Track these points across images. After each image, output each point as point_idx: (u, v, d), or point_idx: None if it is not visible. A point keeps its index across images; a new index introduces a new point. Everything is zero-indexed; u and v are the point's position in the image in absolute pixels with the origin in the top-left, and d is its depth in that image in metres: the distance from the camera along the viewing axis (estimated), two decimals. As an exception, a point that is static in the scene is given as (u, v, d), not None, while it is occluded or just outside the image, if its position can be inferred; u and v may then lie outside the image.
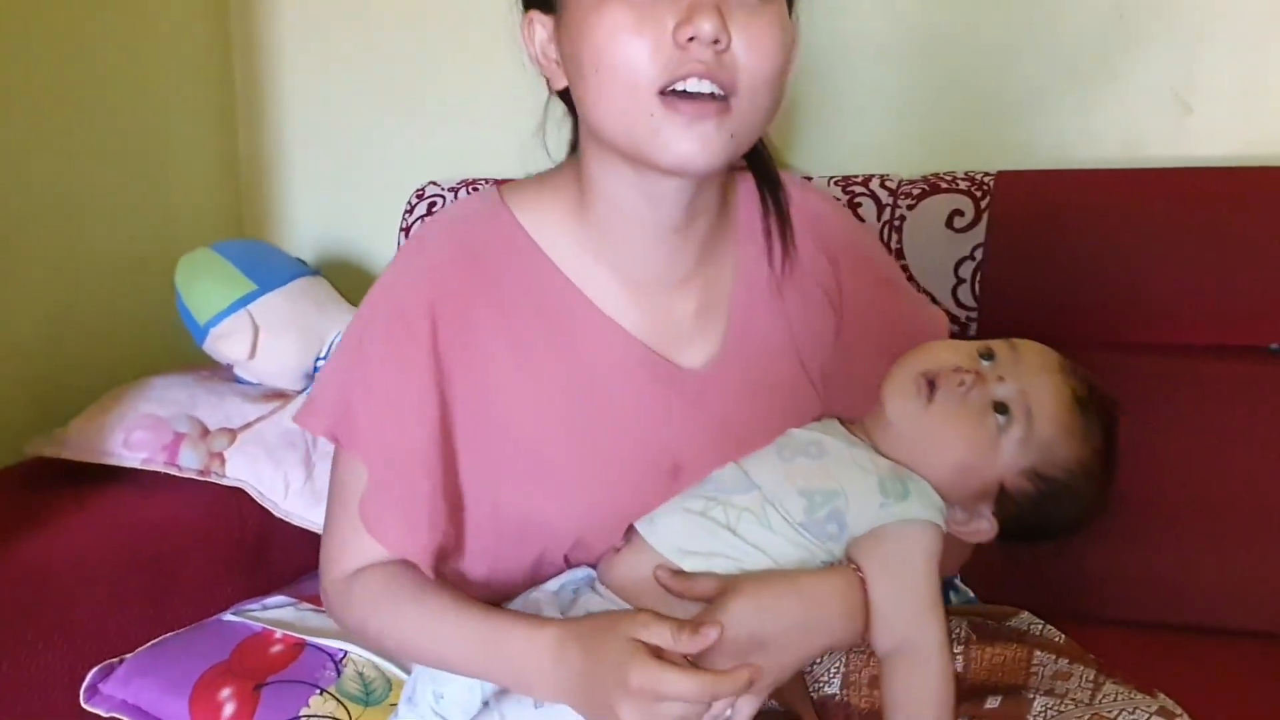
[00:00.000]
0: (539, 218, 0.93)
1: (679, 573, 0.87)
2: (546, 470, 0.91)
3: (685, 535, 0.89)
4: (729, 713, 0.85)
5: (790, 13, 0.87)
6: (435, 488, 0.90)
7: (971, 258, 1.41)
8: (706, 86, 0.80)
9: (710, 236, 0.94)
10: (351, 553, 0.94)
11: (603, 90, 0.82)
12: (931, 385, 0.90)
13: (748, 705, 0.84)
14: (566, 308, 0.92)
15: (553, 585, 0.94)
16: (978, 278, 1.41)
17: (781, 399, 0.97)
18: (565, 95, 0.90)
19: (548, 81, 0.91)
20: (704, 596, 0.86)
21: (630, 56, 0.79)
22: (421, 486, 0.90)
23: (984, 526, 0.93)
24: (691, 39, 0.78)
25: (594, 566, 0.95)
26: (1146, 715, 0.86)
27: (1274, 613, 1.28)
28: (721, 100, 0.80)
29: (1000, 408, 0.90)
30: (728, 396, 0.94)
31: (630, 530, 0.93)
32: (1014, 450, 0.90)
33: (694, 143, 0.81)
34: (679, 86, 0.79)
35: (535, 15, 0.88)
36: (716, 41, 0.79)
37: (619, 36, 0.79)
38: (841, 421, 0.97)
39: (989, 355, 0.92)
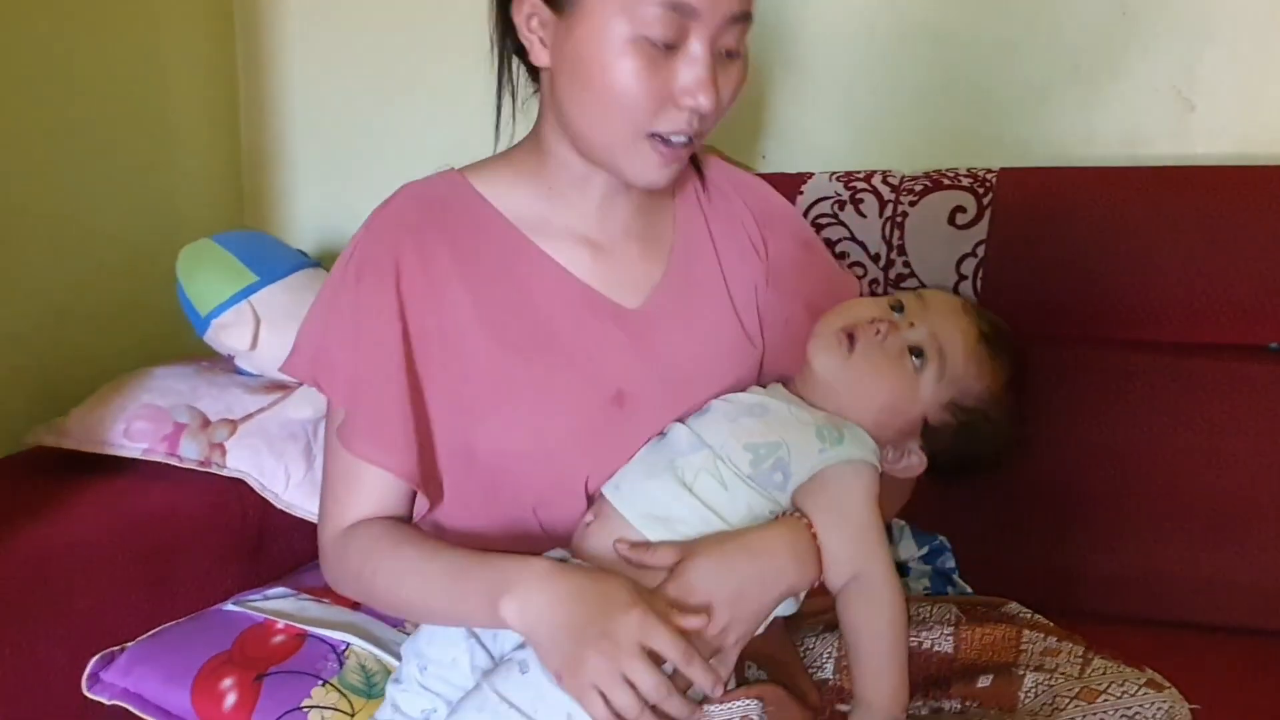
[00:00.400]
0: (492, 182, 1.05)
1: (638, 544, 0.93)
2: (502, 397, 0.99)
3: (650, 500, 0.95)
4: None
5: None
6: (405, 410, 0.98)
7: (973, 254, 1.41)
8: (686, 138, 0.94)
9: (651, 197, 1.06)
10: (345, 504, 1.01)
11: (599, 114, 0.93)
12: (851, 338, 1.00)
13: (720, 667, 0.91)
14: (516, 253, 1.02)
15: None
16: (979, 274, 1.41)
17: (715, 335, 1.07)
18: (523, 57, 1.00)
19: (509, 48, 1.01)
20: (665, 565, 0.92)
21: (636, 102, 0.91)
22: (391, 408, 0.98)
23: (914, 462, 1.03)
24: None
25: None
26: (1136, 686, 0.90)
27: (1269, 611, 1.29)
28: (691, 143, 0.95)
29: (915, 351, 0.99)
30: (666, 331, 1.04)
31: (596, 503, 0.99)
32: (932, 388, 0.99)
33: (664, 175, 0.96)
34: (665, 136, 0.93)
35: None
36: None
37: (633, 83, 0.90)
38: (784, 384, 1.06)
39: (899, 307, 1.02)
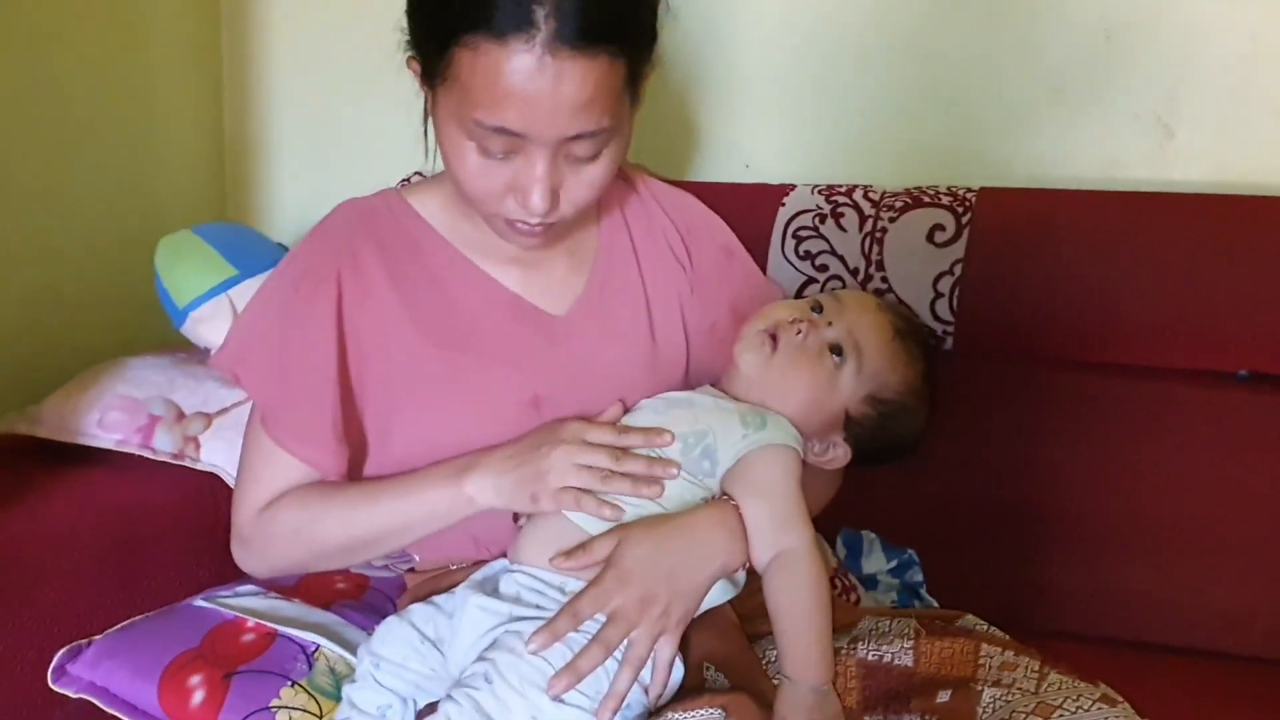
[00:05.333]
0: (425, 200, 1.11)
1: (573, 550, 0.96)
2: (422, 392, 1.06)
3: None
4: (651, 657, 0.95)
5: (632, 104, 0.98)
6: (336, 412, 1.04)
7: (951, 272, 1.42)
8: (536, 227, 0.98)
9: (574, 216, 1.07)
10: (266, 484, 1.07)
11: (460, 191, 1.00)
12: (774, 339, 1.06)
13: (666, 647, 0.95)
14: (446, 262, 1.09)
15: (477, 576, 1.03)
16: (956, 293, 1.42)
17: (633, 344, 1.13)
18: None
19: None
20: (603, 558, 0.96)
21: (477, 195, 0.97)
22: (323, 410, 1.04)
23: (839, 454, 1.08)
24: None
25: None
26: (1090, 702, 0.92)
27: (1229, 634, 1.31)
28: (550, 226, 0.99)
29: (834, 349, 1.05)
30: (586, 339, 1.10)
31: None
32: (851, 382, 1.05)
33: (528, 244, 1.02)
34: (515, 222, 0.98)
35: (413, 63, 1.01)
36: None
37: (472, 180, 0.96)
38: (712, 386, 1.11)
39: (818, 308, 1.08)
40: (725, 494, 1.00)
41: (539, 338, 1.09)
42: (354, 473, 1.08)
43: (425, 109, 1.05)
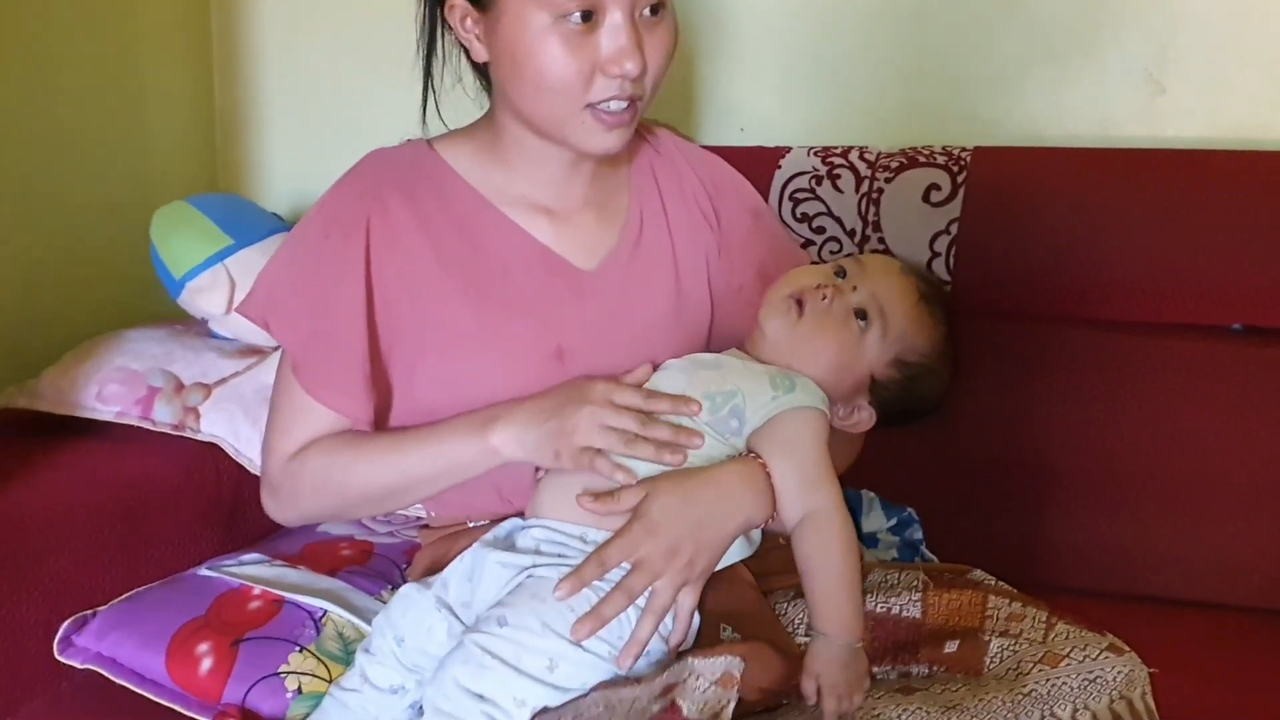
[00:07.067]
0: (456, 152, 1.11)
1: (602, 494, 0.97)
2: (447, 338, 1.06)
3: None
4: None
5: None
6: (365, 362, 1.05)
7: (947, 232, 1.43)
8: (624, 103, 0.99)
9: (606, 168, 1.12)
10: (294, 435, 1.07)
11: (539, 96, 1.00)
12: (800, 304, 1.06)
13: (688, 598, 0.96)
14: (476, 213, 1.09)
15: (488, 536, 1.03)
16: (953, 252, 1.42)
17: (660, 302, 1.13)
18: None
19: (465, 51, 1.07)
20: (629, 508, 0.96)
21: (566, 82, 0.98)
22: (353, 359, 1.05)
23: (865, 417, 1.09)
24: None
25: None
26: (1098, 651, 0.94)
27: (1229, 585, 1.33)
28: (633, 105, 1.00)
29: (860, 313, 1.05)
30: (614, 295, 1.11)
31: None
32: (877, 345, 1.06)
33: (613, 140, 1.02)
34: (603, 106, 0.99)
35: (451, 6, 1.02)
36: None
37: (559, 65, 0.97)
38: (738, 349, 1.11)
39: (841, 273, 1.08)
40: (752, 452, 1.01)
41: (567, 290, 1.09)
42: (379, 420, 1.09)
43: (426, 68, 1.10)
